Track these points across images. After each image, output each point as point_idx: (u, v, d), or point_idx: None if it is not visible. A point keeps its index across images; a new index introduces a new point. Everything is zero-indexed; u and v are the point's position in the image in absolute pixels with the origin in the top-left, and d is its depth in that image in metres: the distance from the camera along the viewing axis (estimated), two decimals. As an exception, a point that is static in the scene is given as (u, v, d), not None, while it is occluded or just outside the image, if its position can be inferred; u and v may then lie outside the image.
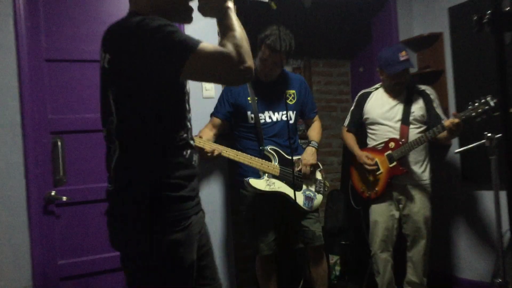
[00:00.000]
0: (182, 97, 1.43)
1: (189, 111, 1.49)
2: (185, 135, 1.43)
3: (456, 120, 2.62)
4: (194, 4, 1.48)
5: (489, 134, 2.39)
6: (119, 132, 1.36)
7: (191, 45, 1.27)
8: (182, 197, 1.37)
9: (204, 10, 1.46)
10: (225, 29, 1.40)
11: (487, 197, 3.20)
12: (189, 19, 1.49)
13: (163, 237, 1.33)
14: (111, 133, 1.37)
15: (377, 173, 2.94)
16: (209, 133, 2.64)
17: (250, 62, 1.33)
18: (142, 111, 1.34)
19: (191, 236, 1.39)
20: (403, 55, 2.87)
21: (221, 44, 1.35)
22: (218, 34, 2.91)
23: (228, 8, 1.43)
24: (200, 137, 2.50)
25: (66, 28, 2.54)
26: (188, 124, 1.48)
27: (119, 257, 1.48)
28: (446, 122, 2.66)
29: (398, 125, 2.94)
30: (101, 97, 1.41)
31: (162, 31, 1.26)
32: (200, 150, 2.45)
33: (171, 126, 1.39)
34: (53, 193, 2.44)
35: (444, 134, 2.74)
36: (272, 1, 1.67)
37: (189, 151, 1.44)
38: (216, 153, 2.43)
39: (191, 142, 1.47)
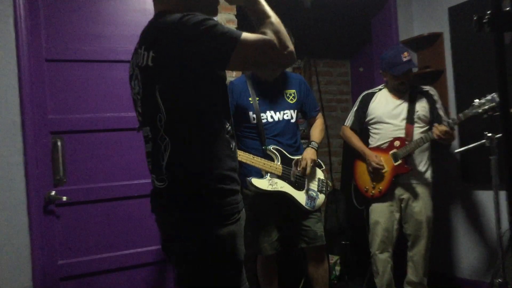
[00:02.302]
0: (225, 88, 1.46)
1: (230, 103, 1.52)
2: (230, 127, 1.46)
3: (444, 128, 2.69)
4: None
5: (489, 134, 2.39)
6: (170, 129, 1.38)
7: (234, 36, 1.31)
8: (234, 190, 1.43)
9: None
10: (259, 16, 1.43)
11: (487, 197, 3.20)
12: (215, 12, 1.53)
13: (221, 229, 1.37)
14: (159, 130, 1.39)
15: (382, 171, 2.94)
16: None
17: (291, 46, 1.38)
18: (192, 105, 1.36)
19: (242, 230, 1.45)
20: (405, 56, 2.89)
21: (261, 32, 1.38)
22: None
23: None
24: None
25: (66, 28, 2.54)
26: (231, 115, 1.51)
27: (160, 251, 1.55)
28: (435, 131, 2.72)
29: (403, 123, 2.95)
30: (142, 96, 1.43)
31: (204, 25, 1.30)
32: None
33: (220, 118, 1.42)
34: (53, 193, 2.44)
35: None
36: None
37: (234, 144, 1.48)
38: None
39: (234, 134, 1.51)
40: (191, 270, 1.40)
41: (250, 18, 1.48)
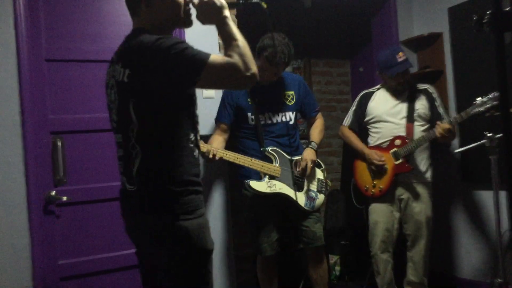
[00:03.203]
0: (193, 104, 1.60)
1: (197, 116, 1.65)
2: (193, 137, 1.59)
3: (447, 126, 2.68)
4: (192, 10, 1.62)
5: (489, 134, 2.39)
6: (141, 138, 1.52)
7: (202, 60, 1.43)
8: (198, 191, 1.57)
9: (202, 19, 1.61)
10: (227, 38, 1.55)
11: (487, 197, 3.20)
12: (189, 24, 1.65)
13: (191, 223, 1.51)
14: (130, 139, 1.53)
15: (384, 169, 2.94)
16: (220, 139, 2.65)
17: (254, 68, 1.50)
18: (161, 119, 1.51)
19: (208, 223, 1.59)
20: (400, 56, 2.89)
21: (227, 54, 1.50)
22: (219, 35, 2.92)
23: (225, 17, 1.57)
24: (203, 141, 2.52)
25: (66, 28, 2.54)
26: (198, 127, 1.64)
27: (137, 254, 1.69)
28: (438, 129, 2.71)
29: (403, 122, 2.94)
30: (117, 108, 1.57)
31: (175, 49, 1.42)
32: (202, 154, 2.45)
33: (185, 130, 1.56)
34: (53, 193, 2.44)
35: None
36: (263, 1, 1.73)
37: (197, 152, 1.62)
38: (217, 157, 2.44)
39: (199, 143, 1.64)
40: (176, 269, 1.52)
41: (220, 37, 1.59)
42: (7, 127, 2.35)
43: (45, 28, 2.48)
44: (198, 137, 1.64)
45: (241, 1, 1.71)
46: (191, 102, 1.59)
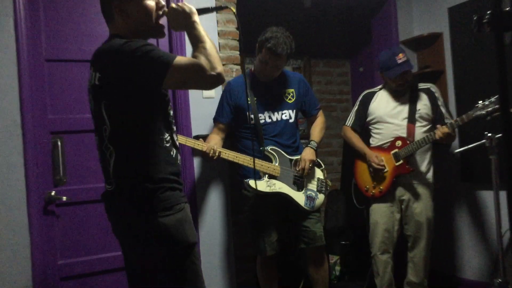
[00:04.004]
0: (165, 104, 1.64)
1: (172, 116, 1.69)
2: (169, 137, 1.63)
3: (446, 130, 2.69)
4: (164, 21, 1.69)
5: (489, 134, 2.39)
6: (114, 139, 1.56)
7: (167, 61, 1.48)
8: (174, 187, 1.61)
9: (174, 26, 1.69)
10: (195, 41, 1.61)
11: (487, 197, 3.20)
12: (161, 35, 1.71)
13: (170, 219, 1.55)
14: (104, 140, 1.57)
15: (383, 171, 2.94)
16: (217, 138, 2.65)
17: (220, 67, 1.55)
18: (132, 119, 1.55)
19: (189, 217, 1.62)
20: (400, 58, 2.87)
21: (193, 56, 1.57)
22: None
23: (194, 22, 1.64)
24: (203, 140, 2.53)
25: (66, 28, 2.54)
26: (174, 127, 1.68)
27: (123, 254, 1.70)
28: (437, 133, 2.72)
29: (404, 123, 2.93)
30: (93, 110, 1.62)
31: (141, 51, 1.47)
32: (202, 153, 2.46)
33: (159, 129, 1.59)
34: (53, 193, 2.44)
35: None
36: (232, 6, 1.79)
37: (174, 151, 1.65)
38: (216, 155, 2.45)
39: (176, 143, 1.68)
40: (161, 266, 1.55)
41: (189, 41, 1.65)
42: (7, 127, 2.35)
43: (45, 28, 2.48)
44: (175, 137, 1.67)
45: (210, 7, 1.78)
46: (164, 102, 1.62)
